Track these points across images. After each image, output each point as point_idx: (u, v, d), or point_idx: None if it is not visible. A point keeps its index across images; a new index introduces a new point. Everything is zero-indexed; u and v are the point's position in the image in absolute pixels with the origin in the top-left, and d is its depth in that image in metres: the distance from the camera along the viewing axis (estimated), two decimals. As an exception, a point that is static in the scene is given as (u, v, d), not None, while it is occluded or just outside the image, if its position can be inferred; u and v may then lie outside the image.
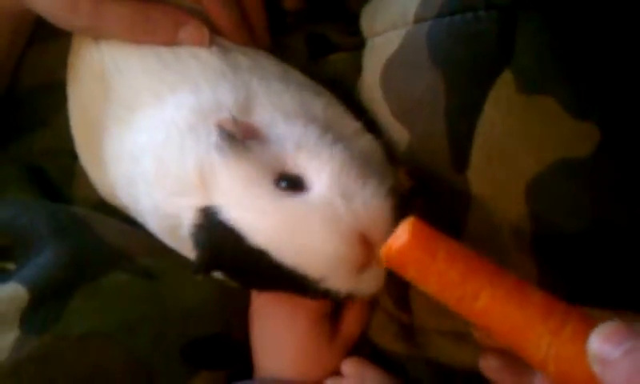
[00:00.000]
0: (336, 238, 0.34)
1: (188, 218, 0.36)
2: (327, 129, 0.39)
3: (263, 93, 0.41)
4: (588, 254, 0.37)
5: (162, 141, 0.39)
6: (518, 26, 0.35)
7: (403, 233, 0.32)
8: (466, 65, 0.36)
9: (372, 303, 0.46)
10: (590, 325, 0.28)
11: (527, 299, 0.30)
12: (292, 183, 0.36)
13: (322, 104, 0.42)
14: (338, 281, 0.35)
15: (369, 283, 0.36)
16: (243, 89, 0.41)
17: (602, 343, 0.27)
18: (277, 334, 0.44)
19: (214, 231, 0.35)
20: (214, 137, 0.36)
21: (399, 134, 0.41)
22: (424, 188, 0.41)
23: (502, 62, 0.35)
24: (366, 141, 0.42)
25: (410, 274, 0.32)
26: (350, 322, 0.45)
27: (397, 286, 0.44)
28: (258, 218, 0.34)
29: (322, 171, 0.36)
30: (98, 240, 0.44)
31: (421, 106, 0.39)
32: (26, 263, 0.42)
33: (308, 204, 0.35)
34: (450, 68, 0.37)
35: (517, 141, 0.36)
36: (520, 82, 0.35)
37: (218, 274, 0.39)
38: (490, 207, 0.38)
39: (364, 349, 0.45)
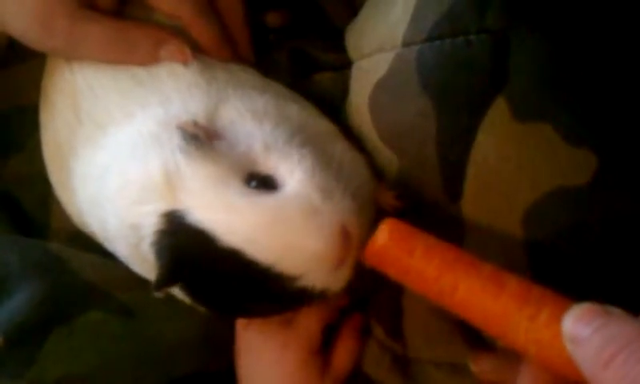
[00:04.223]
0: (317, 232, 0.32)
1: (150, 225, 0.34)
2: (299, 130, 0.38)
3: (236, 98, 0.39)
4: (586, 280, 0.36)
5: (126, 154, 0.37)
6: (510, 50, 0.33)
7: (381, 233, 0.33)
8: (457, 91, 0.35)
9: (364, 333, 0.44)
10: (565, 307, 0.29)
11: (503, 288, 0.31)
12: (262, 183, 0.34)
13: (297, 107, 0.41)
14: (316, 277, 0.33)
15: (340, 278, 0.34)
16: (215, 97, 0.39)
17: (574, 323, 0.27)
18: (265, 371, 0.42)
19: (178, 236, 0.33)
20: (177, 139, 0.35)
21: (388, 159, 0.40)
22: (416, 211, 0.39)
23: (495, 88, 0.34)
24: (342, 143, 0.41)
25: (390, 272, 0.34)
26: (342, 355, 0.44)
27: (389, 314, 0.43)
28: (231, 217, 0.33)
29: (293, 170, 0.35)
30: (74, 277, 0.42)
31: (411, 133, 0.37)
32: (-3, 304, 0.40)
33: (284, 200, 0.33)
34: (441, 94, 0.35)
35: (512, 169, 0.35)
36: (514, 109, 0.34)
37: (179, 293, 0.37)
38: (485, 235, 0.37)
39: (357, 382, 0.44)
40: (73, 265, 0.43)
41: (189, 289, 0.36)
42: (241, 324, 0.45)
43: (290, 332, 0.43)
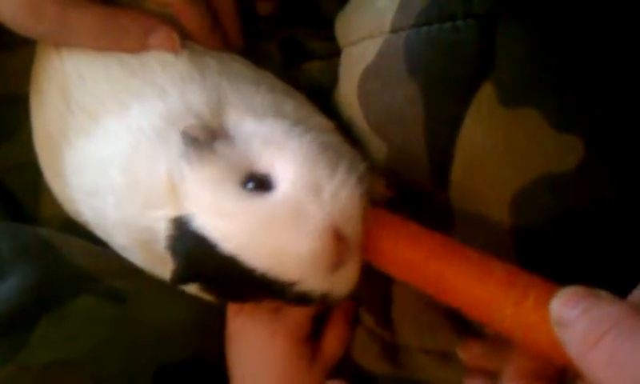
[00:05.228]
0: (306, 236, 0.32)
1: (162, 229, 0.34)
2: (297, 124, 0.37)
3: (234, 94, 0.39)
4: (573, 265, 0.36)
5: (130, 150, 0.37)
6: (497, 35, 0.33)
7: (366, 222, 0.33)
8: (444, 77, 0.35)
9: (353, 321, 0.44)
10: (551, 291, 0.29)
11: (489, 274, 0.31)
12: (259, 183, 0.34)
13: (292, 103, 0.41)
14: (313, 282, 0.32)
15: (344, 281, 0.34)
16: (214, 91, 0.39)
17: (562, 306, 0.28)
18: (255, 357, 0.42)
19: (187, 241, 0.33)
20: (179, 143, 0.34)
21: (377, 146, 0.40)
22: (405, 199, 0.39)
23: (482, 73, 0.34)
24: (337, 137, 0.40)
25: (376, 261, 0.34)
26: (331, 342, 0.44)
27: (378, 302, 0.43)
28: (226, 223, 0.32)
29: (287, 165, 0.34)
30: (65, 263, 0.42)
31: (398, 119, 0.37)
32: (-12, 289, 0.40)
33: (274, 204, 0.33)
34: (429, 80, 0.35)
35: (499, 155, 0.35)
36: (501, 94, 0.34)
37: (193, 288, 0.37)
38: (473, 221, 0.37)
39: (346, 370, 0.44)
40: (64, 250, 0.43)
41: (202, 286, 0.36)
42: (232, 311, 0.45)
43: (280, 319, 0.43)
